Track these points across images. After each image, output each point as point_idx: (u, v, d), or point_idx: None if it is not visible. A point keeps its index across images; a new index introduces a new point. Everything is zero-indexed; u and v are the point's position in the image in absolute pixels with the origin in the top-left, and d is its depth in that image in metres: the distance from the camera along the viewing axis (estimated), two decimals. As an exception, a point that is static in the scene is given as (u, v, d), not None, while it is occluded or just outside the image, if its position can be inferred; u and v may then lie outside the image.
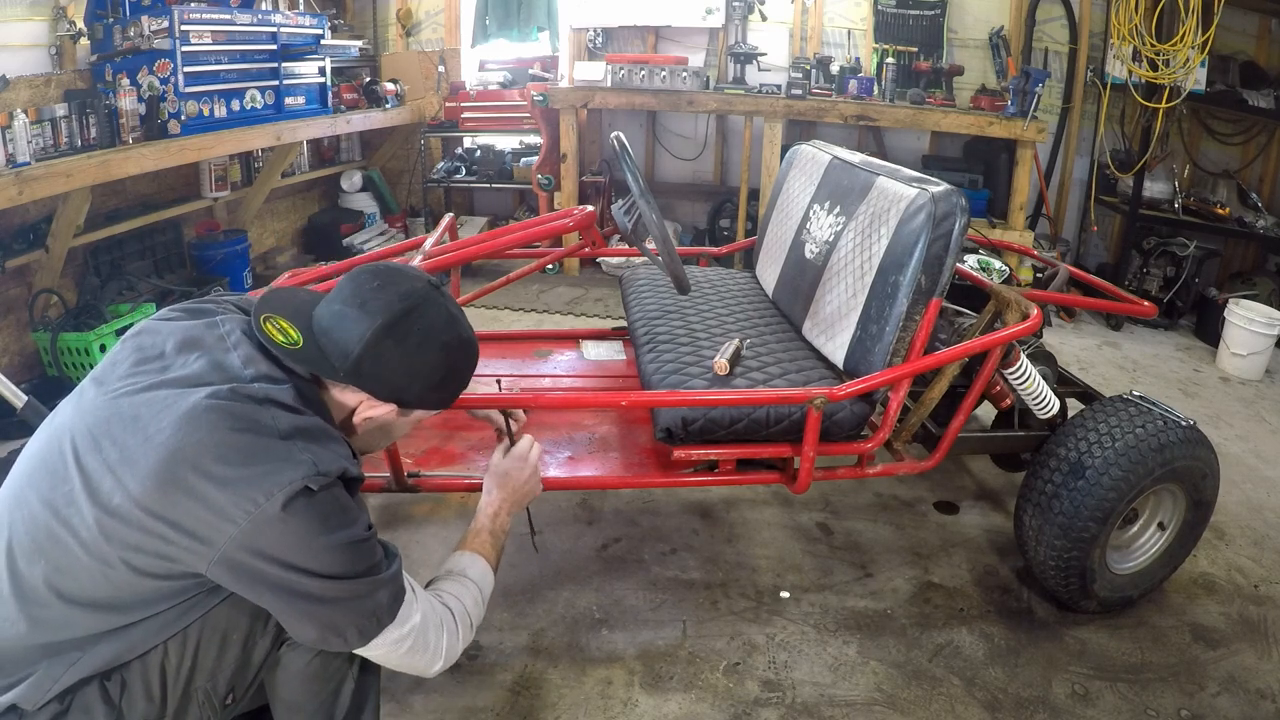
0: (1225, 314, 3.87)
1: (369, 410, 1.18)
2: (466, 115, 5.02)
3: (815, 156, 2.46)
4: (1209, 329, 4.20)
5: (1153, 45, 3.96)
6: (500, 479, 1.53)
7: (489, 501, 1.50)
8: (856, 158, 2.30)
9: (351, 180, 5.24)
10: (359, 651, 1.12)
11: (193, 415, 1.00)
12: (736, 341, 2.00)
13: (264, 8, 4.06)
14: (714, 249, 3.01)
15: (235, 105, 3.64)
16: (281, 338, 1.11)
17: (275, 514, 0.98)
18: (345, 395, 1.17)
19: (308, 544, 1.01)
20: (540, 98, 4.53)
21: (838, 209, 2.17)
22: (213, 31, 3.45)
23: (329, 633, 1.07)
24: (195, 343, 1.11)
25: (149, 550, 0.99)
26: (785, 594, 2.13)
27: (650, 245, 2.09)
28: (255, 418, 1.02)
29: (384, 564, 1.11)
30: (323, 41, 4.24)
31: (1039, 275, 3.03)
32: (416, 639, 1.15)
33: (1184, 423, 1.94)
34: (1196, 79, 4.09)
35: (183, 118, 3.33)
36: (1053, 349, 2.37)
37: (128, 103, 3.17)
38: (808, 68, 4.58)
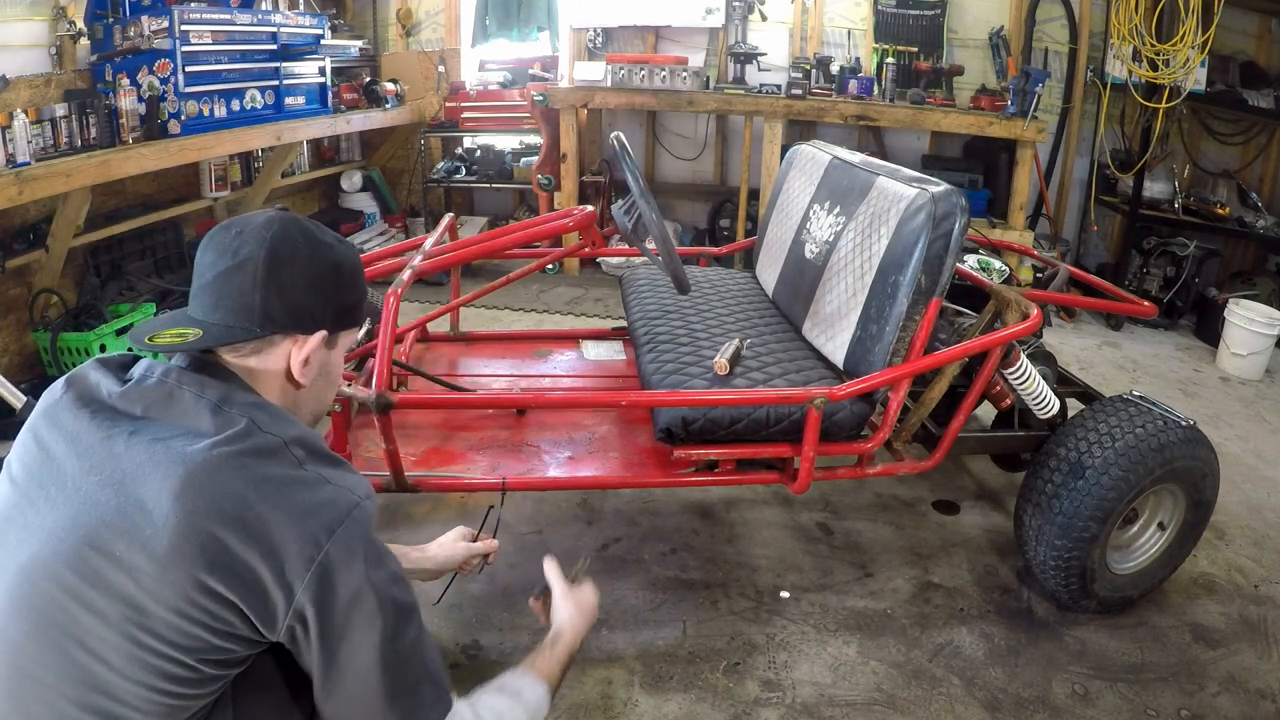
0: (1225, 314, 3.87)
1: (301, 352, 1.05)
2: (466, 115, 5.02)
3: (815, 156, 2.46)
4: (1209, 329, 4.20)
5: (1153, 45, 3.96)
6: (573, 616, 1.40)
7: (563, 631, 1.36)
8: (856, 158, 2.30)
9: (351, 180, 5.24)
10: None
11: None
12: (736, 341, 2.00)
13: (264, 8, 4.06)
14: (714, 249, 3.01)
15: (235, 105, 3.64)
16: (178, 339, 1.00)
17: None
18: (270, 357, 1.04)
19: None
20: (540, 98, 4.53)
21: (838, 209, 2.17)
22: (213, 31, 3.45)
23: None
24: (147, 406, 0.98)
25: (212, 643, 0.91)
26: (785, 594, 2.13)
27: (650, 245, 2.09)
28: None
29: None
30: (323, 41, 4.24)
31: (1039, 275, 3.03)
32: None
33: (1184, 423, 1.94)
34: (1196, 79, 4.09)
35: (183, 118, 3.33)
36: (1053, 349, 2.37)
37: (128, 103, 3.17)
38: (808, 68, 4.58)
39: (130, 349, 1.05)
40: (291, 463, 0.95)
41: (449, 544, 1.54)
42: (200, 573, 0.87)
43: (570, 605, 1.39)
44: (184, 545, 0.87)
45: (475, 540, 1.58)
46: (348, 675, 0.96)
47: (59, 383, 1.02)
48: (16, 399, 2.24)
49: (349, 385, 1.74)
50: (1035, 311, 1.91)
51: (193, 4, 3.44)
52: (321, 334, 1.06)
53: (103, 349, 3.00)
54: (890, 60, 4.58)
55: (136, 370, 1.03)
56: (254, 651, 0.96)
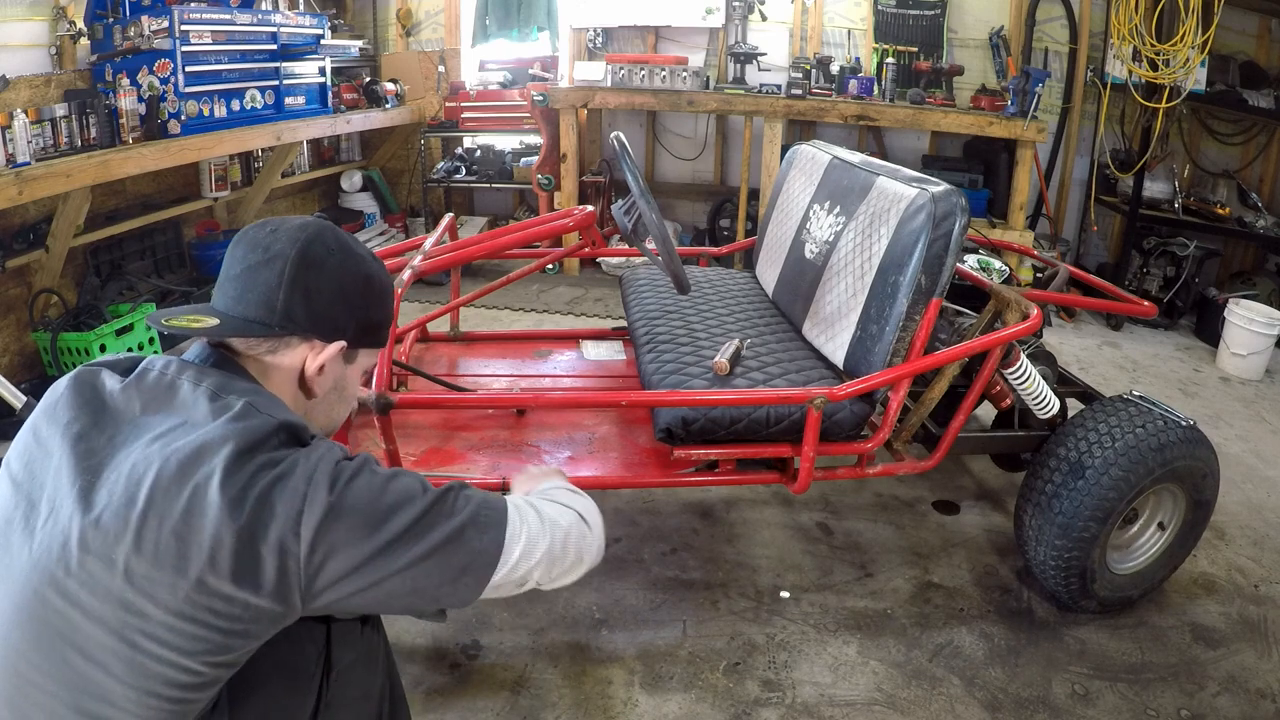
0: (1225, 314, 3.87)
1: (317, 359, 1.05)
2: (466, 115, 5.02)
3: (815, 156, 2.46)
4: (1209, 329, 4.20)
5: (1153, 45, 3.96)
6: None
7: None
8: (856, 158, 2.30)
9: (351, 180, 5.24)
10: (509, 570, 1.03)
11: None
12: (736, 341, 2.00)
13: (264, 8, 4.06)
14: (714, 249, 3.01)
15: (235, 105, 3.64)
16: (194, 324, 1.00)
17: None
18: (285, 356, 1.04)
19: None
20: (540, 98, 4.53)
21: (838, 209, 2.17)
22: (213, 31, 3.45)
23: (473, 558, 1.00)
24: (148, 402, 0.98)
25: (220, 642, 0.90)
26: (785, 594, 2.13)
27: (650, 245, 2.09)
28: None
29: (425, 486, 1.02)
30: (323, 41, 4.24)
31: (1039, 275, 3.03)
32: (550, 530, 1.08)
33: (1184, 422, 1.94)
34: (1196, 79, 4.09)
35: (183, 118, 3.33)
36: (1053, 349, 2.37)
37: (128, 103, 3.17)
38: (808, 68, 4.58)
39: (130, 348, 1.05)
40: (275, 446, 0.94)
41: None
42: (203, 573, 0.86)
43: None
44: (181, 547, 0.86)
45: None
46: (416, 575, 0.96)
47: (62, 381, 1.02)
48: (16, 399, 2.24)
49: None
50: (1035, 311, 1.91)
51: (193, 4, 3.44)
52: (340, 344, 1.06)
53: (103, 349, 3.00)
54: (890, 60, 4.58)
55: (139, 367, 1.03)
56: (258, 644, 0.93)
